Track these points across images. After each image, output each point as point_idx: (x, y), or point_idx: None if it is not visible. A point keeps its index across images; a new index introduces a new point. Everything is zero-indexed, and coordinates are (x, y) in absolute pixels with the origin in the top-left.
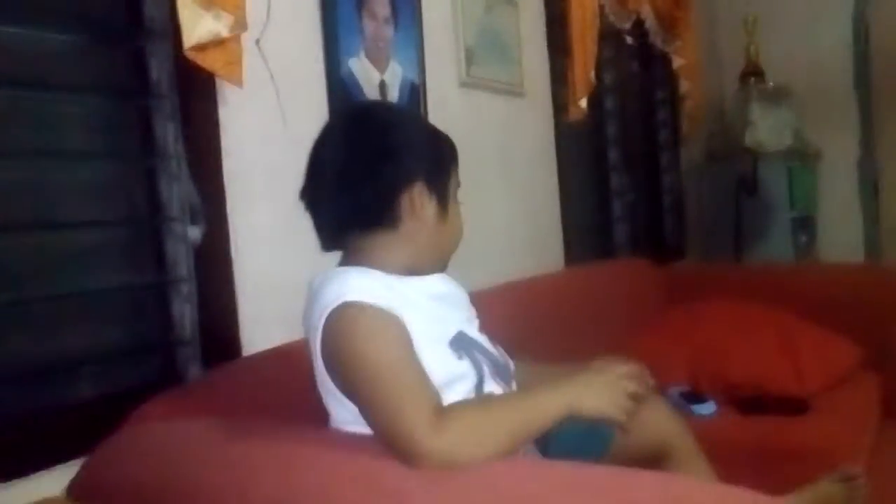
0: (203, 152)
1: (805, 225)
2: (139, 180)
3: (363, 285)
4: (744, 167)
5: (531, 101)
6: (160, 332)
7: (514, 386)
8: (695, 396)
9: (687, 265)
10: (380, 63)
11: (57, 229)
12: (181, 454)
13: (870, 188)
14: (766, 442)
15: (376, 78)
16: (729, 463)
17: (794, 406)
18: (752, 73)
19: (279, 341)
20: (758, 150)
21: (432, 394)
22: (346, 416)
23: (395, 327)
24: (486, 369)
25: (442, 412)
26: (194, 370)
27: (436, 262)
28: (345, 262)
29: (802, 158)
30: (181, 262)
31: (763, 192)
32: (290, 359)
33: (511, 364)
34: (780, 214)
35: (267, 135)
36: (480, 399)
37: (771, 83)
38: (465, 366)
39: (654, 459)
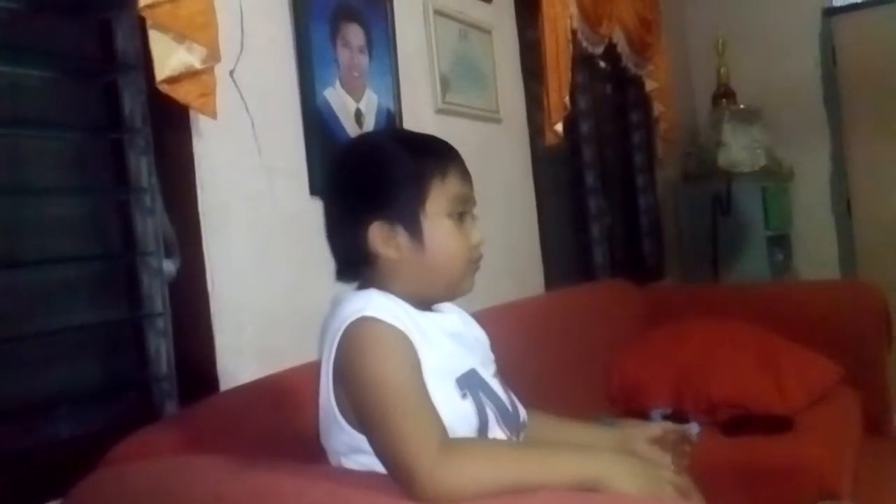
0: (177, 185)
1: (781, 243)
2: (113, 215)
3: (384, 305)
4: (718, 187)
5: (507, 127)
6: (136, 368)
7: (521, 437)
8: (678, 418)
9: (666, 286)
10: (355, 92)
11: (30, 266)
12: (158, 494)
13: (843, 205)
14: (751, 462)
15: (352, 107)
16: (715, 485)
17: (778, 424)
18: (724, 94)
19: (257, 374)
20: (731, 171)
21: (437, 423)
22: (343, 442)
23: (408, 349)
24: (490, 414)
25: (445, 445)
26: (171, 406)
27: (441, 288)
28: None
29: (776, 178)
30: (156, 297)
31: (738, 211)
32: (269, 393)
33: (522, 413)
34: (756, 233)
35: (242, 166)
36: (492, 443)
37: (742, 104)
38: (467, 406)
39: None
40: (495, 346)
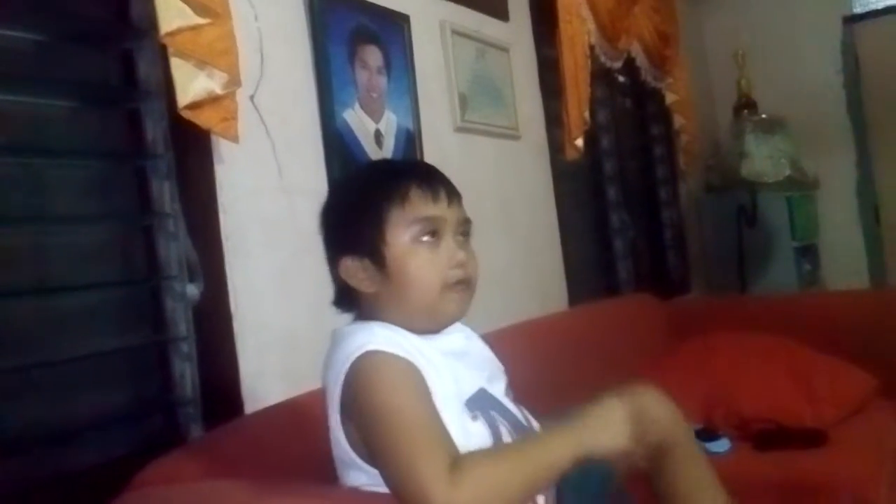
0: (200, 209)
1: (808, 253)
2: (136, 240)
3: (385, 336)
4: (742, 199)
5: (527, 143)
6: (161, 392)
7: None
8: (709, 434)
9: (692, 299)
10: (374, 113)
11: (55, 293)
12: None
13: (870, 213)
14: (784, 478)
15: (371, 127)
16: (747, 502)
17: (811, 438)
18: (745, 105)
19: (282, 396)
20: (755, 181)
21: (450, 447)
22: (361, 480)
23: (415, 377)
24: (503, 430)
25: (456, 464)
26: (196, 430)
27: (422, 316)
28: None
29: (801, 187)
30: (180, 321)
31: (763, 222)
32: (293, 415)
33: (534, 423)
34: (783, 244)
35: (263, 189)
36: (495, 449)
37: (764, 114)
38: (478, 427)
39: (655, 458)
40: (516, 365)
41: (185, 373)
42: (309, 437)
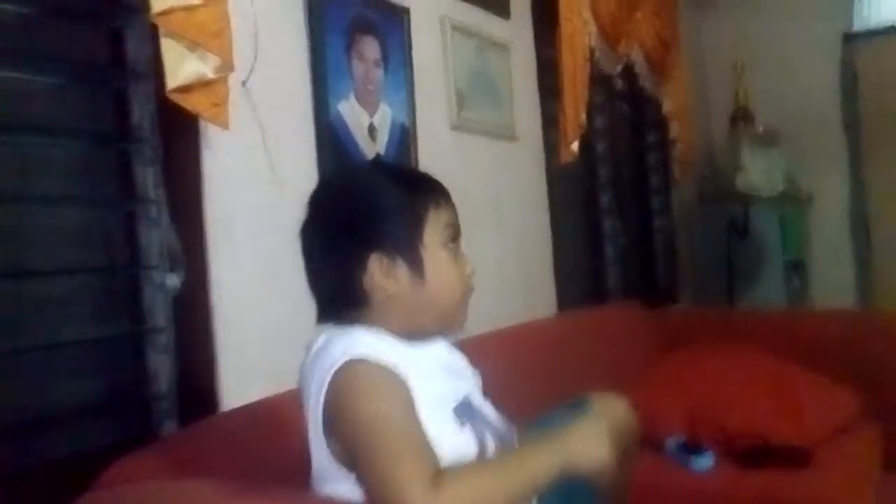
0: (185, 197)
1: (797, 269)
2: (117, 226)
3: (371, 343)
4: (735, 211)
5: (522, 145)
6: (135, 385)
7: None
8: (693, 448)
9: (680, 310)
10: (369, 106)
11: (30, 277)
12: None
13: (861, 231)
14: (768, 498)
15: (366, 121)
16: None
17: (796, 457)
18: (742, 117)
19: (261, 395)
20: (749, 194)
21: (432, 459)
22: (337, 491)
23: (399, 387)
24: (488, 439)
25: (438, 476)
26: (170, 425)
27: (437, 322)
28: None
29: (794, 203)
30: (159, 312)
31: (754, 235)
32: (272, 414)
33: (514, 434)
34: (773, 258)
35: (252, 179)
36: (476, 463)
37: (761, 127)
38: (467, 435)
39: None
40: (501, 371)
41: (162, 366)
42: (287, 438)
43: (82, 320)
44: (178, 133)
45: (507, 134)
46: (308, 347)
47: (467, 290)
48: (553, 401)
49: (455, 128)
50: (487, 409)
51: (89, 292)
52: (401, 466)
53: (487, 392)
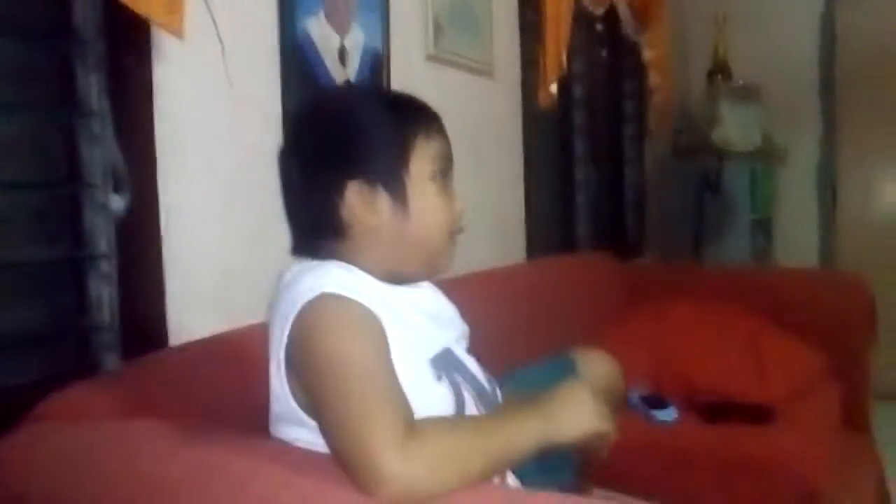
0: (132, 111)
1: (763, 227)
2: (55, 139)
3: (346, 279)
4: (708, 165)
5: (500, 83)
6: (73, 314)
7: None
8: (656, 400)
9: (648, 263)
10: (340, 26)
11: None
12: (85, 465)
13: (828, 193)
14: (729, 452)
15: (336, 42)
16: (690, 473)
17: (759, 414)
18: (720, 70)
19: (213, 330)
20: (725, 149)
21: (405, 410)
22: (304, 440)
23: (372, 328)
24: (467, 396)
25: (411, 431)
26: (112, 360)
27: (420, 261)
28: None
29: (768, 159)
30: (100, 236)
31: (725, 191)
32: (224, 351)
33: (498, 392)
34: (741, 215)
35: (208, 96)
36: (456, 420)
37: (741, 81)
38: (442, 389)
39: None
40: (471, 316)
41: (103, 295)
42: (240, 377)
43: (15, 241)
44: (127, 39)
45: (484, 70)
46: (279, 279)
47: (455, 230)
48: (522, 347)
49: (431, 58)
50: (470, 364)
51: (23, 211)
52: (369, 417)
53: (472, 349)
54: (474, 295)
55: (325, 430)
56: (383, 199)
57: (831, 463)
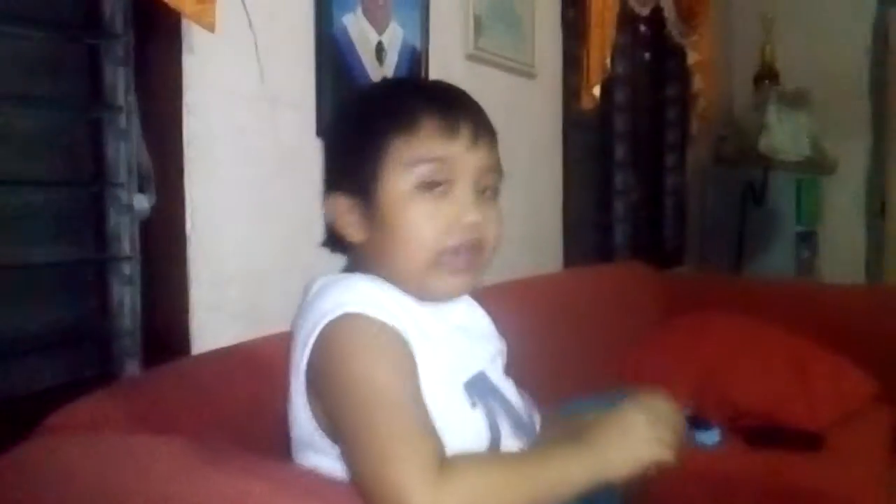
0: (160, 107)
1: (808, 239)
2: (80, 135)
3: (371, 296)
4: (752, 174)
5: (541, 84)
6: (94, 319)
7: None
8: (698, 422)
9: (688, 272)
10: (378, 22)
11: None
12: (90, 478)
13: (877, 206)
14: (774, 480)
15: (374, 39)
16: (733, 500)
17: (806, 441)
18: (767, 75)
19: (239, 338)
20: (772, 157)
21: (435, 442)
22: (318, 462)
23: (401, 351)
24: (503, 426)
25: (444, 467)
26: (132, 366)
27: (414, 287)
28: (349, 268)
29: (817, 169)
30: (124, 237)
31: (770, 201)
32: (248, 361)
33: (537, 420)
34: (786, 227)
35: (240, 92)
36: (494, 456)
37: (789, 86)
38: (477, 417)
39: None
40: (503, 326)
41: (125, 298)
42: (264, 390)
43: (36, 240)
44: (157, 32)
45: (525, 70)
46: (305, 290)
47: (444, 247)
48: (556, 359)
49: (470, 57)
50: (507, 389)
51: (45, 210)
52: (396, 451)
53: (511, 368)
54: (507, 305)
55: (348, 463)
56: (360, 212)
57: (882, 493)
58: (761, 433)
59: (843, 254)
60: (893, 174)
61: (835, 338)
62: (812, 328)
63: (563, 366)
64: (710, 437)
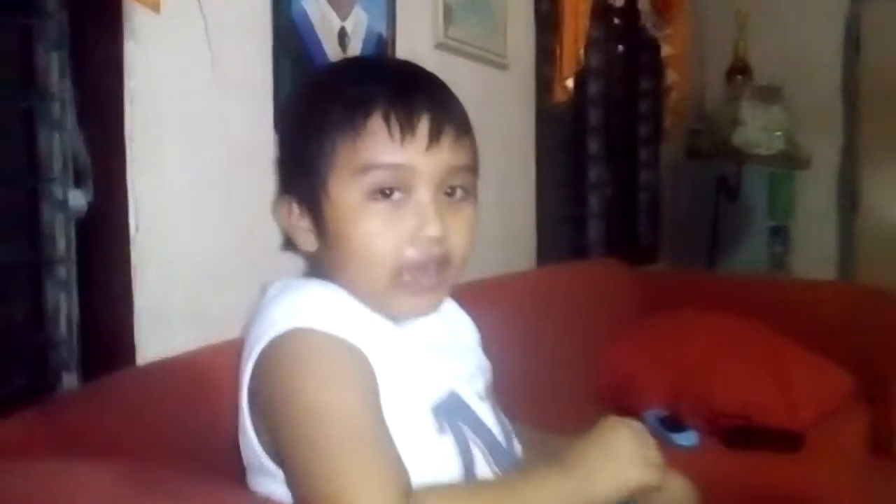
0: (99, 94)
1: (780, 234)
2: (9, 125)
3: (327, 306)
4: (726, 169)
5: (513, 75)
6: (25, 327)
7: None
8: (674, 423)
9: (663, 269)
10: (341, 7)
11: None
12: None
13: (848, 201)
14: (753, 481)
15: (336, 24)
16: (710, 503)
17: (785, 440)
18: (740, 70)
19: (187, 347)
20: (746, 152)
21: (398, 474)
22: (268, 487)
23: (359, 370)
24: (475, 452)
25: (409, 499)
26: (69, 379)
27: (372, 301)
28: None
29: (792, 164)
30: (58, 237)
31: (742, 197)
32: (199, 371)
33: (516, 446)
34: (759, 222)
35: (188, 80)
36: (465, 487)
37: (764, 81)
38: (446, 444)
39: None
40: (481, 324)
41: (60, 304)
42: (217, 406)
43: None
44: (95, 13)
45: (497, 61)
46: (262, 293)
47: (403, 263)
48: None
49: (440, 46)
50: (481, 411)
51: None
52: (351, 484)
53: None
54: (479, 304)
55: (299, 494)
56: (310, 221)
57: (860, 492)
58: (739, 434)
59: (815, 249)
60: (866, 170)
61: (809, 334)
62: (787, 325)
63: (538, 366)
64: (688, 438)
